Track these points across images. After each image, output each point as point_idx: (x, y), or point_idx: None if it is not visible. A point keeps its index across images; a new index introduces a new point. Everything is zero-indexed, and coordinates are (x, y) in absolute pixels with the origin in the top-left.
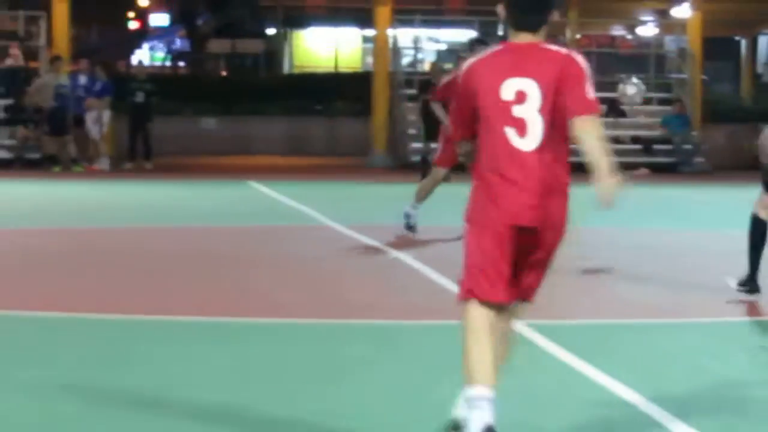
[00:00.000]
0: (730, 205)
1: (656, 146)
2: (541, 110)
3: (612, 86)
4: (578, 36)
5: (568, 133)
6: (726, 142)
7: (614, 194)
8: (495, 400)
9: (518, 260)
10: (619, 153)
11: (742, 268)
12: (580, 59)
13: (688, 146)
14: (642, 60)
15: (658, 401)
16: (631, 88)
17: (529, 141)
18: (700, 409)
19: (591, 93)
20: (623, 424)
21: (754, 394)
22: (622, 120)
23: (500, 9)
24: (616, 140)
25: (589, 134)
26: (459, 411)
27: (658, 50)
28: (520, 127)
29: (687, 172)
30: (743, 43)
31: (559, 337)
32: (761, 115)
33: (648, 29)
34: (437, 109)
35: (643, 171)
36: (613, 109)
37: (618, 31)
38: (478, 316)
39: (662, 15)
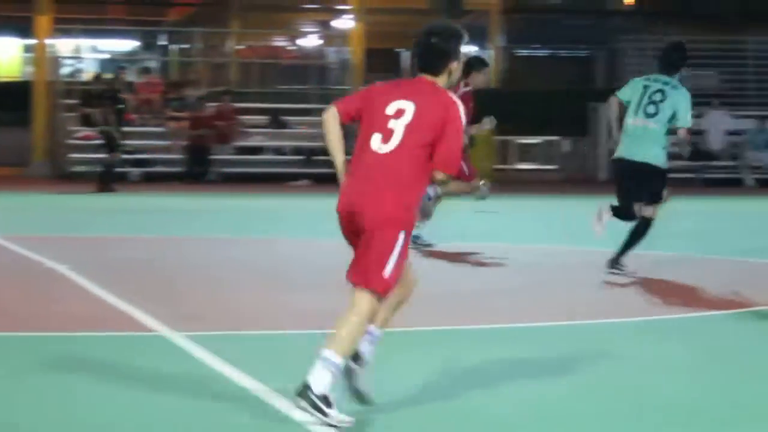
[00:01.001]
0: None
1: (317, 157)
2: (409, 126)
3: (273, 97)
4: (240, 47)
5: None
6: None
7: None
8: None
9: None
10: (281, 164)
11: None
12: (456, 99)
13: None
14: (304, 71)
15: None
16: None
17: (387, 146)
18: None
19: (457, 152)
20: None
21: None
22: (283, 131)
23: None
24: (278, 151)
25: (439, 183)
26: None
27: (320, 61)
28: (386, 134)
29: None
30: (405, 55)
31: (218, 348)
32: None
33: (310, 40)
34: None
35: (304, 182)
36: (275, 120)
37: (280, 42)
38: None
39: (325, 26)
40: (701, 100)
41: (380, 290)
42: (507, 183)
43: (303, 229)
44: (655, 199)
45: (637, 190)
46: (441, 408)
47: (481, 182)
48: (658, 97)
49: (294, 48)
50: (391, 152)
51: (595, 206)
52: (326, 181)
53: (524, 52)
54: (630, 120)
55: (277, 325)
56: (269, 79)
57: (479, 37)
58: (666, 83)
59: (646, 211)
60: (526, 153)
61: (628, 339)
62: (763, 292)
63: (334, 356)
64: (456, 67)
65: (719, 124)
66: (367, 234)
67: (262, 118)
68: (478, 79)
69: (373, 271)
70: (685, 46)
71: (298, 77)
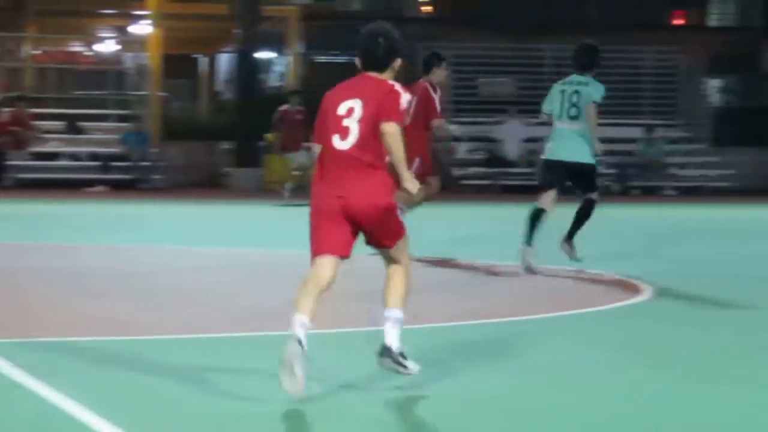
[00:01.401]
0: (190, 221)
1: (114, 163)
2: (361, 121)
3: (70, 102)
4: (36, 52)
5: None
6: (184, 158)
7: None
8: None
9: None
10: (76, 170)
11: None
12: (399, 87)
13: (146, 163)
14: (101, 76)
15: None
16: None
17: (346, 143)
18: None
19: (399, 105)
20: None
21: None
22: (80, 137)
23: (357, 60)
24: (74, 157)
25: (388, 136)
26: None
27: (117, 67)
28: (343, 132)
29: (145, 188)
30: (203, 60)
31: (10, 354)
32: (218, 132)
33: (108, 45)
34: (447, 128)
35: (100, 188)
36: (72, 126)
37: (77, 47)
38: (316, 267)
39: (122, 32)
40: (497, 107)
41: (399, 254)
42: (304, 189)
43: (101, 234)
44: (592, 188)
45: (574, 185)
46: (309, 408)
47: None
48: (575, 98)
49: (91, 53)
50: (350, 148)
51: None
52: (123, 187)
53: (323, 59)
54: (558, 124)
55: (75, 333)
56: (66, 85)
57: (278, 43)
58: (579, 83)
59: (591, 194)
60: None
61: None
62: (560, 299)
63: (398, 312)
64: (399, 64)
65: (515, 132)
66: (369, 221)
67: (58, 124)
68: (440, 75)
69: (390, 240)
70: (597, 47)
71: (95, 83)
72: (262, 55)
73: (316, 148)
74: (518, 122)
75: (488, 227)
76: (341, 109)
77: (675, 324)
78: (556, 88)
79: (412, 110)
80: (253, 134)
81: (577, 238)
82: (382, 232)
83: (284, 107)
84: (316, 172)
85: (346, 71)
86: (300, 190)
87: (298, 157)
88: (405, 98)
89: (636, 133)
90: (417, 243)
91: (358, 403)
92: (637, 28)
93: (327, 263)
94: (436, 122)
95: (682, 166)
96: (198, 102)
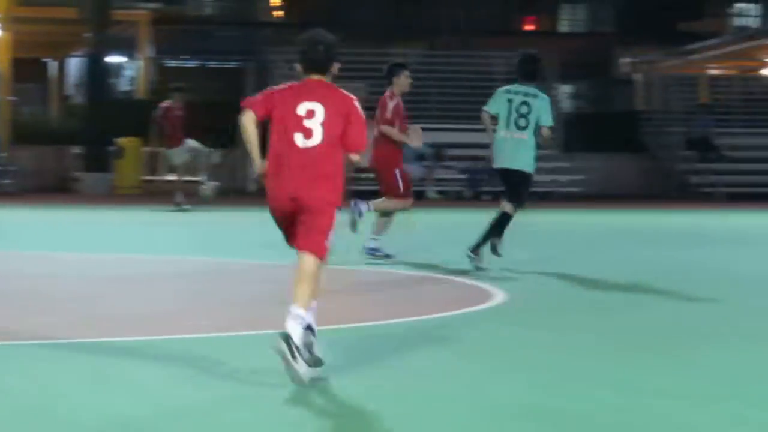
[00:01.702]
0: (41, 226)
1: None
2: (324, 124)
3: None
4: None
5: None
6: (34, 163)
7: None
8: None
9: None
10: None
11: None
12: (357, 102)
13: None
14: None
15: None
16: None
17: (312, 141)
18: None
19: (363, 134)
20: None
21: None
22: None
23: (297, 65)
24: None
25: (353, 158)
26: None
27: None
28: (307, 132)
29: None
30: (53, 65)
31: None
32: (68, 136)
33: None
34: (394, 133)
35: None
36: None
37: None
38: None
39: None
40: None
41: (321, 255)
42: (155, 194)
43: None
44: (516, 199)
45: (506, 190)
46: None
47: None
48: (524, 109)
49: None
50: (315, 147)
51: (247, 217)
52: None
53: (173, 63)
54: (503, 133)
55: None
56: None
57: (128, 47)
58: (527, 94)
59: (506, 206)
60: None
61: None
62: (411, 304)
63: (300, 310)
64: (337, 68)
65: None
66: (310, 215)
67: None
68: (403, 83)
69: (318, 242)
70: (539, 57)
71: None
72: (112, 59)
73: (249, 115)
74: (370, 126)
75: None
76: (300, 110)
77: (527, 328)
78: (503, 95)
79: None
80: (103, 139)
81: (429, 242)
82: (313, 227)
83: (166, 103)
84: (270, 166)
85: (196, 75)
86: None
87: (178, 153)
88: (357, 102)
89: (487, 138)
90: (280, 249)
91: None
92: (488, 34)
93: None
94: (383, 128)
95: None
96: (48, 106)
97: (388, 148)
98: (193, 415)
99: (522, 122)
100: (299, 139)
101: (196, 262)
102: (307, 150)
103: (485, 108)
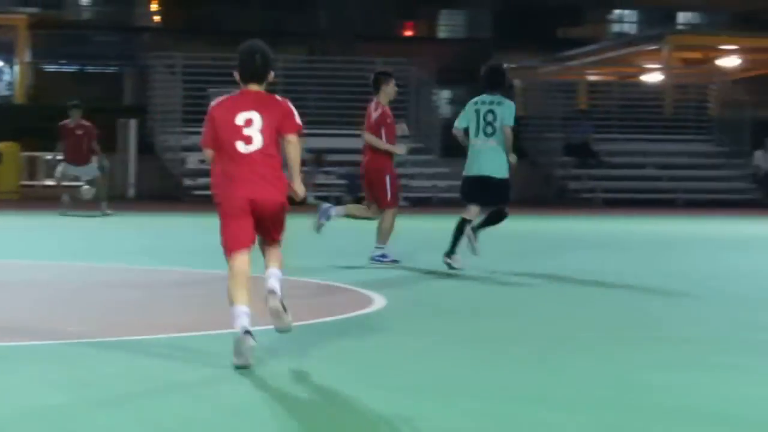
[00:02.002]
0: None
1: None
2: (262, 131)
3: None
4: None
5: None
6: None
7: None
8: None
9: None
10: None
11: None
12: (290, 104)
13: None
14: None
15: None
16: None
17: (252, 147)
18: None
19: (297, 120)
20: None
21: None
22: None
23: (235, 73)
24: None
25: (291, 144)
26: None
27: None
28: (246, 139)
29: None
30: None
31: None
32: None
33: None
34: (375, 141)
35: None
36: None
37: None
38: (237, 266)
39: None
40: None
41: (280, 241)
42: (34, 200)
43: None
44: (505, 200)
45: (488, 198)
46: None
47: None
48: (490, 117)
49: None
50: (256, 152)
51: (129, 223)
52: None
53: (52, 68)
54: (473, 141)
55: None
56: None
57: (6, 52)
58: (492, 102)
59: (503, 206)
60: (53, 169)
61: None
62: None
63: (278, 270)
64: (272, 76)
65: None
66: (271, 215)
67: None
68: (390, 91)
69: (278, 234)
70: (503, 68)
71: None
72: None
73: (209, 152)
74: None
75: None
76: (239, 119)
77: (400, 335)
78: (471, 106)
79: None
80: None
81: (308, 247)
82: (276, 225)
83: (64, 122)
84: (218, 174)
85: (74, 80)
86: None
87: (88, 171)
88: (290, 103)
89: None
90: (154, 254)
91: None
92: (366, 39)
93: (242, 257)
94: (367, 136)
95: (413, 176)
96: None
97: (376, 155)
98: (49, 417)
99: (489, 129)
100: (241, 147)
101: (72, 268)
102: (249, 156)
103: (455, 125)
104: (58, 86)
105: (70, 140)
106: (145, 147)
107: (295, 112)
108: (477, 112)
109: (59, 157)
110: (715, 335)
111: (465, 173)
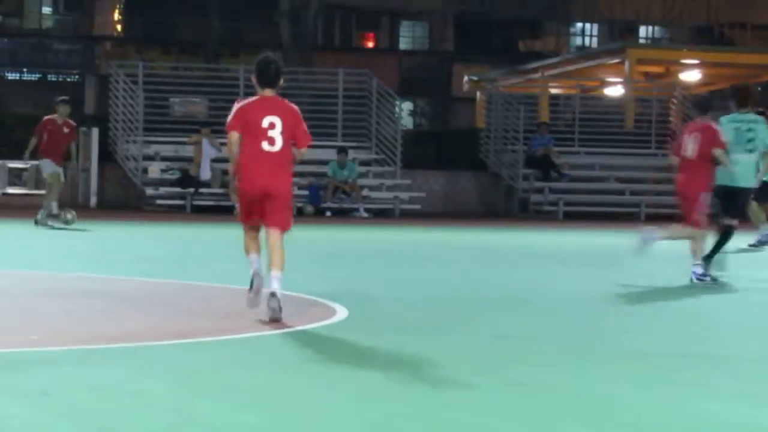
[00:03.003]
0: None
1: None
2: (282, 133)
3: None
4: None
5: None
6: None
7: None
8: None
9: (264, 207)
10: None
11: None
12: (296, 107)
13: None
14: None
15: None
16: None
17: (275, 147)
18: None
19: (306, 130)
20: None
21: None
22: None
23: (254, 79)
24: None
25: (300, 152)
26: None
27: None
28: (271, 140)
29: None
30: None
31: None
32: None
33: None
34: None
35: None
36: None
37: None
38: (249, 231)
39: None
40: (191, 127)
41: (287, 229)
42: None
43: None
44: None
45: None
46: None
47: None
48: (751, 135)
49: None
50: (277, 152)
51: (90, 232)
52: None
53: (13, 76)
54: (734, 156)
55: None
56: None
57: None
58: (749, 120)
59: (732, 221)
60: (16, 177)
61: (108, 367)
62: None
63: (280, 273)
64: (282, 81)
65: (207, 152)
66: (277, 201)
67: None
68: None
69: (285, 220)
70: (754, 88)
71: None
72: None
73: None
74: (209, 143)
75: (178, 247)
76: (265, 122)
77: (365, 345)
78: (728, 125)
79: None
80: None
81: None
82: (282, 210)
83: (51, 116)
84: (244, 167)
85: (35, 88)
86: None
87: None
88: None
89: (328, 154)
90: (107, 263)
91: None
92: (329, 50)
93: (253, 227)
94: (715, 152)
95: (374, 188)
96: None
97: (698, 172)
98: (10, 427)
99: (750, 146)
100: (266, 146)
101: (28, 276)
102: (271, 154)
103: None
104: (20, 94)
105: (54, 137)
106: (107, 156)
107: (302, 118)
108: (736, 130)
109: (25, 158)
110: (672, 350)
111: (721, 183)
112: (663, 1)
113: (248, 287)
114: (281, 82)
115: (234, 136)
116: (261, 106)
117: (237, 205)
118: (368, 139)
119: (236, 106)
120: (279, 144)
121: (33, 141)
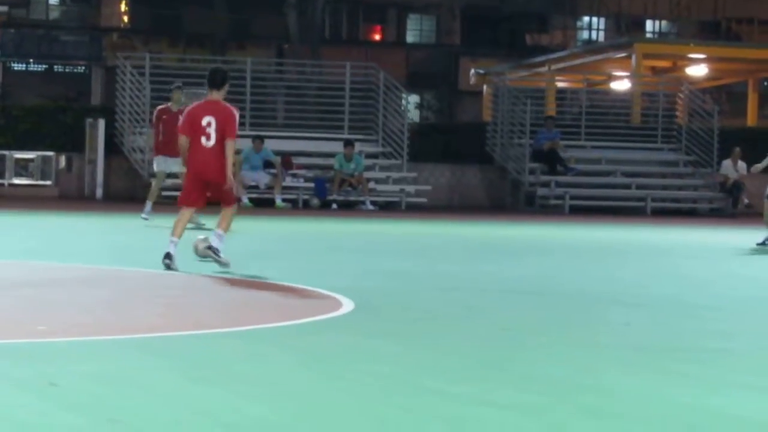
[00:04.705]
0: None
1: None
2: (216, 130)
3: None
4: None
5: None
6: None
7: (234, 186)
8: None
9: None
10: None
11: None
12: (233, 109)
13: None
14: None
15: None
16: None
17: (210, 143)
18: None
19: (235, 127)
20: None
21: None
22: None
23: (206, 86)
24: None
25: (229, 146)
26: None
27: None
28: (207, 137)
29: None
30: None
31: None
32: None
33: None
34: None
35: None
36: None
37: None
38: (186, 213)
39: None
40: None
41: (233, 203)
42: (3, 199)
43: None
44: None
45: None
46: None
47: None
48: None
49: None
50: (213, 146)
51: (99, 222)
52: None
53: (20, 67)
54: None
55: None
56: None
57: None
58: None
59: None
60: (22, 168)
61: (110, 356)
62: (258, 312)
63: (222, 231)
64: (227, 87)
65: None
66: (219, 186)
67: None
68: None
69: (230, 199)
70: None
71: None
72: None
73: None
74: None
75: (184, 238)
76: (204, 121)
77: (372, 338)
78: None
79: None
80: None
81: (276, 250)
82: (222, 195)
83: (165, 105)
84: (190, 158)
85: (42, 79)
86: None
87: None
88: (237, 116)
89: (335, 147)
90: (113, 254)
91: None
92: (336, 43)
93: (189, 210)
94: None
95: (380, 181)
96: None
97: None
98: (16, 417)
99: None
100: (203, 141)
101: (36, 267)
102: (208, 148)
103: None
104: (26, 85)
105: (170, 128)
106: (113, 147)
107: (236, 117)
108: None
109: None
110: (681, 344)
111: None
112: None
113: (165, 262)
114: (226, 87)
115: (182, 138)
116: (204, 107)
117: (243, 198)
118: (375, 133)
119: (186, 109)
120: (213, 140)
121: (151, 138)
